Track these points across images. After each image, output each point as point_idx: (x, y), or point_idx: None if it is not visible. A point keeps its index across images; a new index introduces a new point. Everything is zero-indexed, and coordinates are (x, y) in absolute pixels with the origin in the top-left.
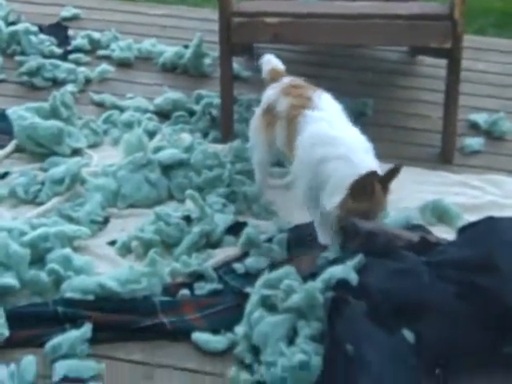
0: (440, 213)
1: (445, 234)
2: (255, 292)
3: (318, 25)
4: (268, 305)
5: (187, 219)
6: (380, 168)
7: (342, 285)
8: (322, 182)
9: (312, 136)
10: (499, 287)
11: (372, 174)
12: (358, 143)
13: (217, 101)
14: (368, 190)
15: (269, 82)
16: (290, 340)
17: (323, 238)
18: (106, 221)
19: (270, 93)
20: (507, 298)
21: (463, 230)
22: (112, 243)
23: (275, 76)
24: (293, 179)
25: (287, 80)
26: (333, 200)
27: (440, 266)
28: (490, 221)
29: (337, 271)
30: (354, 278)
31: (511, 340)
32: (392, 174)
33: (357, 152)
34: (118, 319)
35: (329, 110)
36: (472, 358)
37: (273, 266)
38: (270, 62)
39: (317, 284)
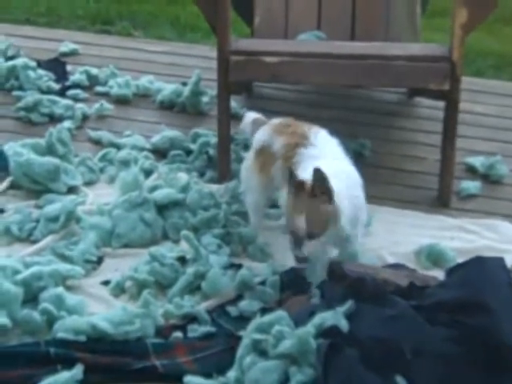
0: (435, 257)
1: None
2: (246, 336)
3: (317, 65)
4: (259, 350)
5: (182, 260)
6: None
7: (333, 331)
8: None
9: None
10: (492, 328)
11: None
12: (352, 179)
13: (214, 140)
14: (302, 186)
15: (254, 131)
16: None
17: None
18: (100, 260)
19: (261, 133)
20: (500, 339)
21: (452, 272)
22: (106, 283)
23: (260, 123)
24: None
25: (276, 120)
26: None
27: (430, 309)
28: (478, 261)
29: (327, 317)
30: (344, 324)
31: (505, 381)
32: (319, 181)
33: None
34: (109, 361)
35: (323, 147)
36: None
37: (265, 309)
38: (251, 115)
39: (309, 329)
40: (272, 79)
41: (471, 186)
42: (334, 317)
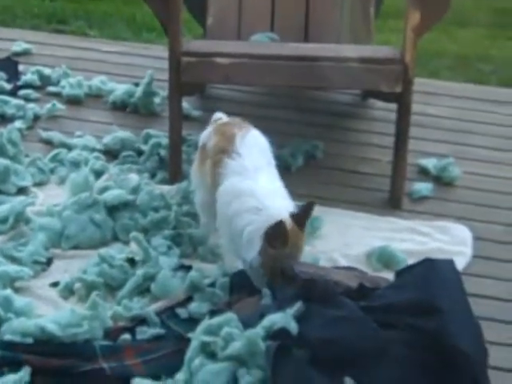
0: (386, 259)
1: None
2: (195, 338)
3: (269, 66)
4: (208, 352)
5: (131, 261)
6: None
7: (282, 333)
8: (238, 235)
9: (226, 192)
10: (442, 330)
11: (280, 223)
12: (269, 191)
13: (165, 141)
14: (281, 238)
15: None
16: None
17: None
18: (49, 262)
19: (204, 132)
20: (451, 341)
21: (401, 273)
22: (55, 285)
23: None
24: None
25: (225, 119)
26: (250, 252)
27: (379, 311)
28: (428, 263)
29: (276, 319)
30: (293, 327)
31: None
32: (306, 211)
33: (267, 201)
34: (57, 363)
35: (246, 157)
36: None
37: (214, 311)
38: (217, 115)
39: (258, 331)
40: (224, 81)
41: (423, 187)
42: (283, 319)
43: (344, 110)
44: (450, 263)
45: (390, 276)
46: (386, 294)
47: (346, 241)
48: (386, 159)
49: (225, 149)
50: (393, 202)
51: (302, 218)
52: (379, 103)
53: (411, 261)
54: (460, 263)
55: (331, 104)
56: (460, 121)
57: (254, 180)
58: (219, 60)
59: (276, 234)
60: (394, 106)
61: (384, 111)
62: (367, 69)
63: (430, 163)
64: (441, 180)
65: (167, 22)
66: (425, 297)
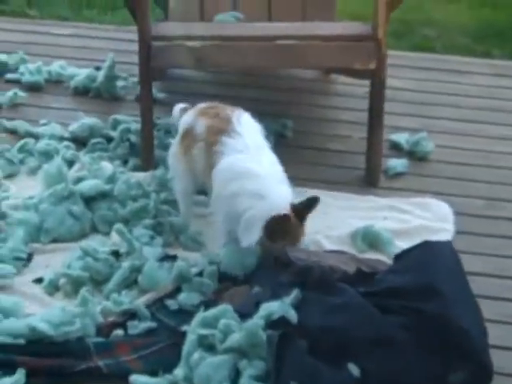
0: (371, 239)
1: None
2: (192, 331)
3: (241, 48)
4: (206, 345)
5: (115, 254)
6: (295, 196)
7: (281, 322)
8: (236, 216)
9: (227, 169)
10: (444, 312)
11: (282, 218)
12: (272, 175)
13: (134, 126)
14: (282, 232)
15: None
16: (233, 381)
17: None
18: (29, 257)
19: (186, 117)
20: (453, 322)
21: (400, 257)
22: (38, 281)
23: (187, 110)
24: (211, 210)
25: (203, 104)
26: (248, 238)
27: (380, 295)
28: (426, 245)
29: (274, 308)
30: (292, 315)
31: (456, 367)
32: (309, 206)
33: (270, 187)
34: (52, 363)
35: (247, 136)
36: None
37: (204, 302)
38: (179, 106)
39: (258, 322)
40: (197, 65)
41: (398, 164)
42: (282, 307)
43: (308, 86)
44: (448, 244)
45: (376, 256)
46: (386, 278)
47: (327, 222)
48: (357, 135)
49: (222, 129)
50: (369, 180)
51: (303, 211)
52: (342, 78)
53: (396, 240)
54: (443, 239)
55: (294, 80)
56: (426, 93)
57: (256, 159)
58: (191, 43)
59: (277, 229)
60: (357, 80)
61: (347, 86)
62: (339, 46)
63: (402, 138)
64: (414, 155)
65: (135, 6)
66: (425, 280)
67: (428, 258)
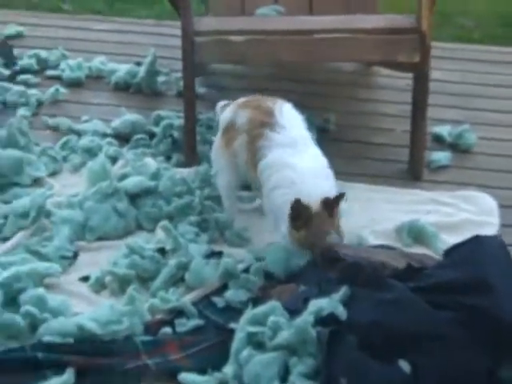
0: (416, 234)
1: None
2: (241, 329)
3: (284, 42)
4: (255, 342)
5: (161, 251)
6: (337, 190)
7: (330, 319)
8: (276, 209)
9: (270, 164)
10: (496, 306)
11: (302, 204)
12: (311, 168)
13: (177, 122)
14: (304, 220)
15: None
16: (283, 378)
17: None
18: (75, 255)
19: (227, 112)
20: (505, 317)
21: (450, 252)
22: (84, 279)
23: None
24: (264, 206)
25: (243, 98)
26: (280, 226)
27: (430, 291)
28: (475, 240)
29: (323, 304)
30: (342, 312)
31: (508, 363)
32: (336, 199)
33: (305, 177)
34: (101, 362)
35: (290, 128)
36: None
37: (255, 300)
38: (221, 103)
39: (307, 318)
40: (241, 60)
41: (441, 156)
42: (331, 304)
43: (349, 78)
44: (497, 239)
45: (422, 251)
46: (436, 273)
47: (372, 216)
48: (400, 128)
49: (265, 122)
50: (413, 173)
51: (331, 204)
52: (383, 70)
53: (441, 234)
54: (489, 233)
55: (335, 73)
56: (467, 84)
57: (301, 153)
58: (234, 38)
59: (298, 215)
60: (398, 72)
61: (389, 78)
62: (384, 40)
63: (445, 130)
64: (457, 147)
65: (178, 2)
66: (476, 274)
67: (478, 252)
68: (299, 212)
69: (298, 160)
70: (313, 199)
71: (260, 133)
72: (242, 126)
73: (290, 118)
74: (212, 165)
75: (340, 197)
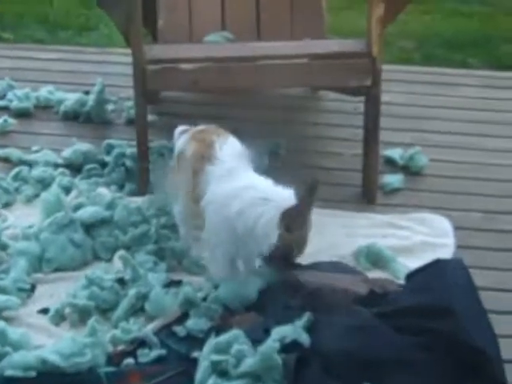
0: (374, 257)
1: None
2: (204, 358)
3: (234, 69)
4: (220, 371)
5: (120, 281)
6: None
7: (294, 346)
8: (247, 234)
9: (217, 197)
10: (458, 330)
11: (296, 206)
12: (266, 184)
13: (129, 150)
14: (299, 221)
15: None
16: None
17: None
18: (33, 287)
19: (180, 140)
20: (466, 341)
21: (411, 276)
22: (43, 311)
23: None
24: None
25: (201, 127)
26: (267, 241)
27: (394, 316)
28: (437, 264)
29: (286, 331)
30: (305, 339)
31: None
32: (311, 190)
33: (271, 192)
34: None
35: (228, 161)
36: None
37: (216, 328)
38: (180, 128)
39: (272, 345)
40: (192, 87)
41: (394, 179)
42: (294, 331)
43: (297, 103)
44: (459, 263)
45: (379, 274)
46: (399, 298)
47: (328, 241)
48: (350, 152)
49: (205, 155)
50: (367, 197)
51: (307, 198)
52: (331, 94)
53: (399, 257)
54: (445, 255)
55: (282, 98)
56: (414, 106)
57: (246, 178)
58: (185, 66)
59: (294, 217)
60: (345, 96)
61: (338, 102)
62: (336, 65)
63: (396, 153)
64: (408, 170)
65: (128, 31)
66: (438, 299)
67: (439, 276)
68: (293, 216)
69: (249, 180)
70: (289, 200)
71: (200, 168)
72: (187, 158)
73: (228, 151)
74: (168, 193)
75: (313, 186)
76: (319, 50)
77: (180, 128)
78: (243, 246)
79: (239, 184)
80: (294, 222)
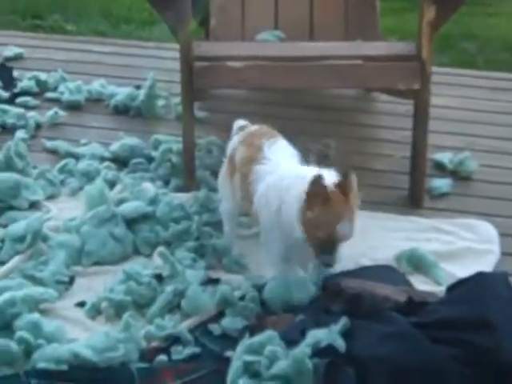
0: (416, 262)
1: (422, 283)
2: (237, 358)
3: (283, 68)
4: (252, 371)
5: (158, 277)
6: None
7: (329, 351)
8: (290, 226)
9: (266, 192)
10: (496, 345)
11: (318, 177)
12: (303, 168)
13: (176, 146)
14: (321, 197)
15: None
16: None
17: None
18: (71, 280)
19: (233, 140)
20: (505, 357)
21: (452, 288)
22: (80, 305)
23: (243, 129)
24: (263, 242)
25: (253, 128)
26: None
27: (432, 326)
28: (479, 277)
29: (321, 336)
30: (341, 344)
31: None
32: (346, 177)
33: (305, 169)
34: None
35: (277, 159)
36: None
37: (251, 328)
38: (238, 123)
39: (305, 350)
40: (238, 85)
41: (442, 183)
42: (329, 335)
43: (349, 104)
44: (502, 276)
45: (421, 279)
46: (438, 309)
47: (371, 244)
48: (400, 154)
49: (253, 158)
50: (413, 200)
51: (344, 184)
52: (383, 96)
53: (441, 263)
54: (490, 262)
55: (336, 99)
56: (468, 111)
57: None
58: (232, 64)
59: (314, 192)
60: (396, 98)
61: (390, 104)
62: (384, 67)
63: (446, 157)
64: (457, 174)
65: (177, 27)
66: (478, 312)
67: (481, 289)
68: (318, 189)
69: (285, 172)
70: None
71: (249, 169)
72: (237, 163)
73: (277, 152)
74: (218, 189)
75: (347, 175)
76: (369, 52)
77: (239, 123)
78: (295, 245)
79: (280, 180)
80: (315, 197)
